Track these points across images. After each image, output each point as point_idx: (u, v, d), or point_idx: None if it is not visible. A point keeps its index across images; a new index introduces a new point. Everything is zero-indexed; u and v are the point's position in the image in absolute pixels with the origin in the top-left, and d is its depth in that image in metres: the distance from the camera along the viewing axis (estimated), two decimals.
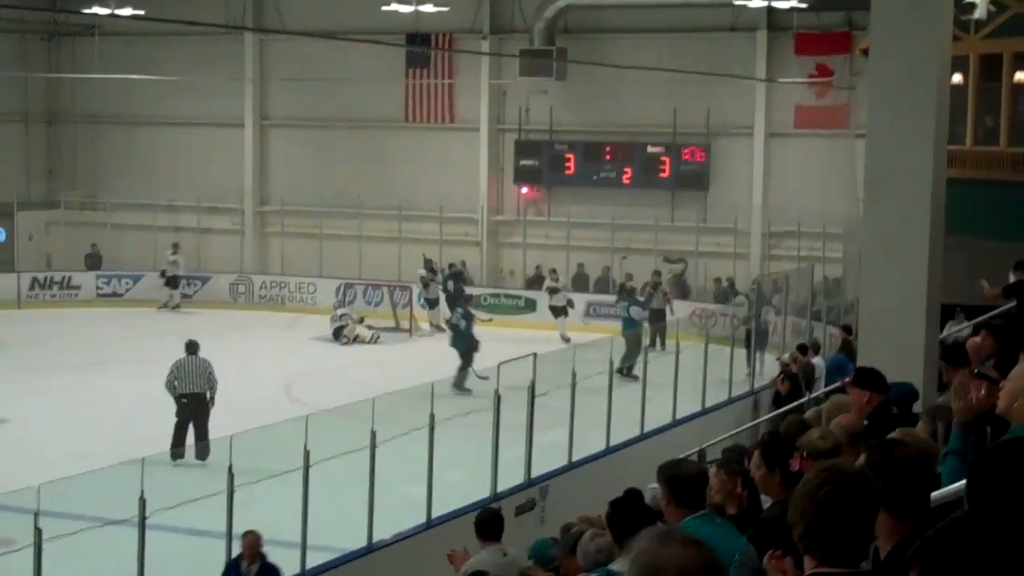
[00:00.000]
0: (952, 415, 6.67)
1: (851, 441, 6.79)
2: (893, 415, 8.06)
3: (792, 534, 3.83)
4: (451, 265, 34.24)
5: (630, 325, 27.53)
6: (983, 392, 6.16)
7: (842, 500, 3.76)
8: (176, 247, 36.37)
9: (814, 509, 3.76)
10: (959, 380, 6.30)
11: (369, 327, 31.68)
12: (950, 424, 6.85)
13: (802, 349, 22.19)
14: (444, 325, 29.77)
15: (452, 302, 31.05)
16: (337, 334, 31.16)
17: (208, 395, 20.08)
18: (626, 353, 23.47)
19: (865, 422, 7.83)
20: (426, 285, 33.00)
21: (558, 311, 31.66)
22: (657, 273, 32.03)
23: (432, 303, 32.84)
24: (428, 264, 33.63)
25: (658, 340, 26.29)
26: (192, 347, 20.56)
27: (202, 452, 18.33)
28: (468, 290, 31.52)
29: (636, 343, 24.07)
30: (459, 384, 22.06)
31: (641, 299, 28.84)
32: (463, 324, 26.01)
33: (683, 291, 32.94)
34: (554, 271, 33.31)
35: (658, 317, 28.83)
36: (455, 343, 25.79)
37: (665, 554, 3.12)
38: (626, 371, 22.48)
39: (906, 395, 9.26)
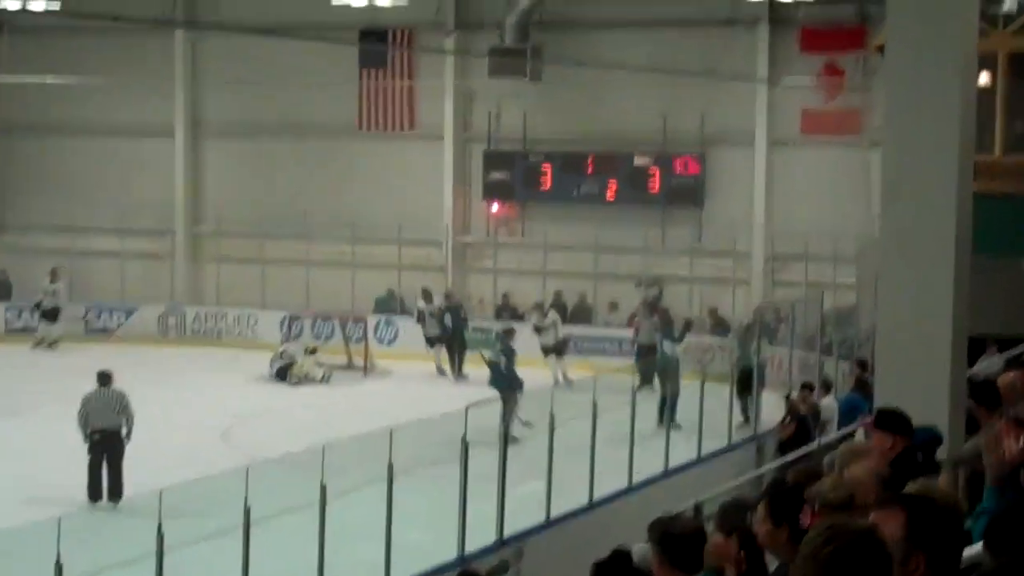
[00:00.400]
0: (979, 463, 6.71)
1: (883, 487, 6.80)
2: (918, 463, 8.08)
3: None
4: (447, 296, 34.05)
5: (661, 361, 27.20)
6: (1020, 443, 6.20)
7: (849, 561, 3.77)
8: (55, 273, 35.97)
9: (819, 571, 3.77)
10: (991, 432, 6.32)
11: (319, 363, 31.60)
12: (975, 474, 6.88)
13: (808, 387, 22.22)
14: (482, 360, 28.83)
15: (450, 340, 30.98)
16: (283, 374, 31.05)
17: (123, 431, 20.29)
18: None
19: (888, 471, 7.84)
20: (421, 320, 32.85)
21: (549, 350, 31.20)
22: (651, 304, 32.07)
23: (434, 341, 32.58)
24: (427, 295, 33.30)
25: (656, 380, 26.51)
26: (104, 378, 20.83)
27: (115, 493, 19.34)
28: (506, 325, 31.14)
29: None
30: (506, 433, 21.81)
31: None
32: (503, 361, 25.70)
33: (663, 318, 32.48)
34: (539, 306, 33.05)
35: (647, 352, 28.87)
36: (495, 383, 25.16)
37: None
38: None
39: (929, 440, 9.28)
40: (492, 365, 25.97)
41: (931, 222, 13.04)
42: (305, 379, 30.99)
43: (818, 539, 3.84)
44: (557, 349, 31.03)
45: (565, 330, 32.17)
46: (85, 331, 36.56)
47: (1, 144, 40.44)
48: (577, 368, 29.67)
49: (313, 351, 31.82)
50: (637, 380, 24.55)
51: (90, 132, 39.17)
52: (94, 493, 19.89)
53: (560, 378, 29.88)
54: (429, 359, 32.75)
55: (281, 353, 31.63)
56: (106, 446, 20.08)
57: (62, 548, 11.63)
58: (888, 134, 13.87)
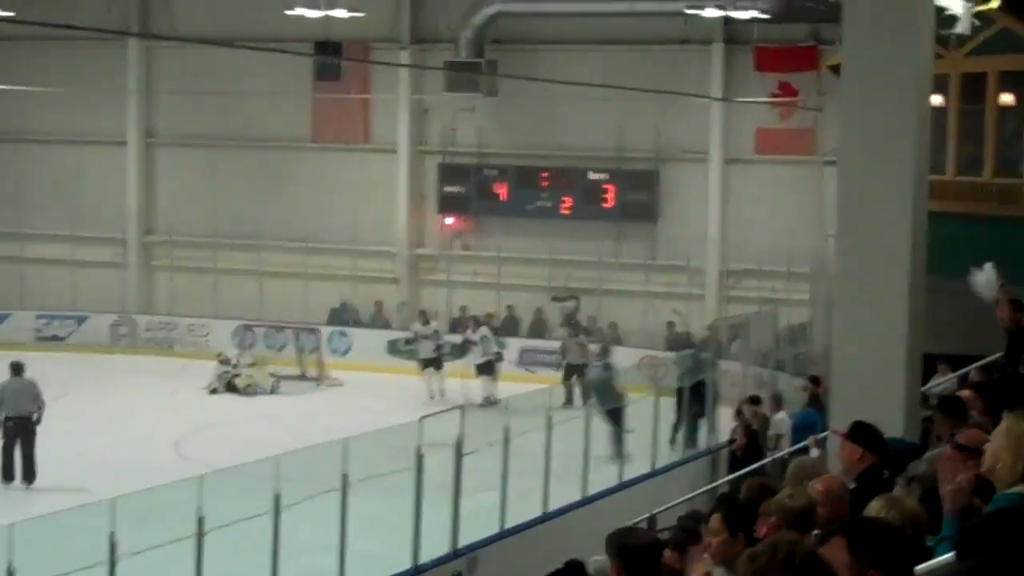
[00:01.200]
0: (934, 480, 6.82)
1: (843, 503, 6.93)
2: (884, 479, 8.15)
3: None
4: (482, 318, 33.30)
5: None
6: (971, 474, 6.31)
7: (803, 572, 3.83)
8: None
9: None
10: (944, 462, 6.46)
11: (272, 374, 31.55)
12: (929, 491, 6.97)
13: (755, 400, 22.33)
14: (573, 386, 28.38)
15: (489, 367, 30.70)
16: (232, 386, 30.91)
17: (35, 416, 22.25)
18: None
19: (852, 484, 7.92)
20: (414, 342, 32.18)
21: (482, 369, 30.89)
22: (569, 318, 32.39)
23: (427, 363, 31.36)
24: (424, 317, 32.74)
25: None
26: (17, 368, 22.66)
27: (28, 475, 21.82)
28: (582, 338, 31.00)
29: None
30: (618, 452, 21.84)
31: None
32: (608, 376, 25.28)
33: (575, 331, 32.78)
34: (474, 319, 33.02)
35: (574, 371, 29.31)
36: (602, 403, 23.92)
37: None
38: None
39: (905, 452, 9.36)
40: (595, 386, 25.07)
41: (886, 241, 13.17)
42: (255, 389, 30.90)
43: (760, 559, 3.90)
44: (490, 367, 30.77)
45: (522, 342, 32.32)
46: (35, 339, 36.33)
47: None
48: (531, 381, 29.64)
49: (252, 364, 31.67)
50: (563, 399, 24.83)
51: (42, 141, 38.97)
52: (7, 474, 22.13)
53: (487, 396, 29.61)
54: (381, 370, 32.80)
55: (224, 363, 31.49)
56: (19, 430, 22.14)
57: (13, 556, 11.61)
58: (842, 153, 14.00)
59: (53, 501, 18.33)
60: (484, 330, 31.80)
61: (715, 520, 7.16)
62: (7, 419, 22.13)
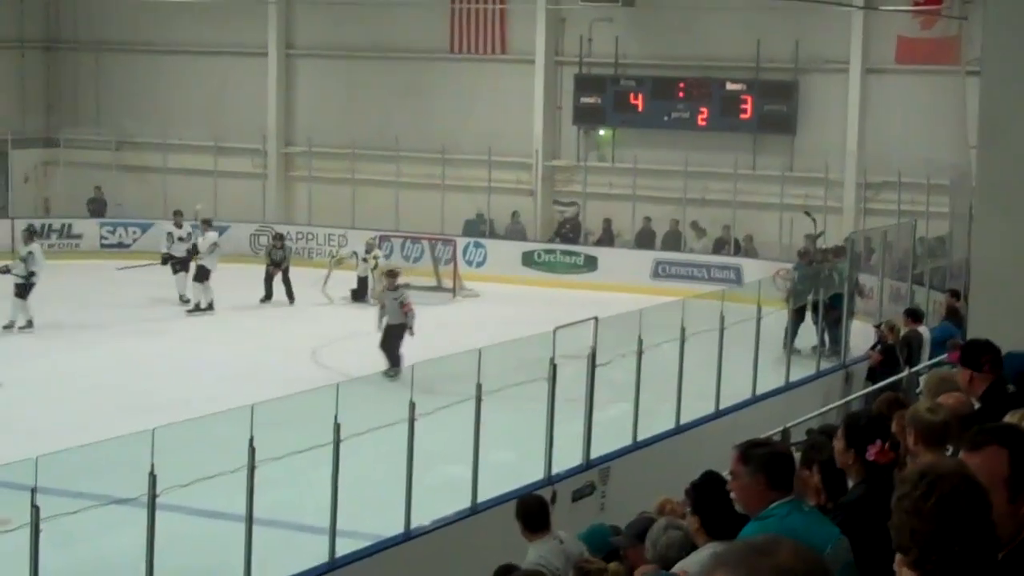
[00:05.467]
0: None
1: (960, 426, 6.78)
2: (1009, 394, 8.00)
3: (905, 554, 3.70)
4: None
5: None
6: None
7: (957, 508, 3.64)
8: (178, 216, 33.22)
9: (928, 525, 3.63)
10: None
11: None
12: None
13: (911, 315, 21.94)
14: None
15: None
16: (358, 294, 31.29)
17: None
18: None
19: (977, 405, 7.80)
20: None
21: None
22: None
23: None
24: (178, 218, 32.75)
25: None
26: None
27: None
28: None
29: None
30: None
31: None
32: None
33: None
34: (178, 213, 32.68)
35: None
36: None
37: (781, 557, 3.00)
38: None
39: None
40: None
41: None
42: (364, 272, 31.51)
43: (916, 492, 3.67)
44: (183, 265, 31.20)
45: (656, 255, 32.30)
46: None
47: (97, 62, 40.78)
48: (667, 293, 29.48)
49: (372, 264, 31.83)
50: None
51: (184, 52, 39.43)
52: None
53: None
54: (517, 281, 32.97)
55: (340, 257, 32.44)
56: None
57: (156, 461, 11.82)
58: (987, 63, 13.70)
59: (194, 408, 18.65)
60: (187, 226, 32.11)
61: (839, 432, 7.11)
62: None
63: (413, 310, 24.45)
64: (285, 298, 30.80)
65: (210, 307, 29.76)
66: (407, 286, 31.60)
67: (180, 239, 31.69)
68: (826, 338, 24.13)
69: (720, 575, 3.01)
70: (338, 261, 32.46)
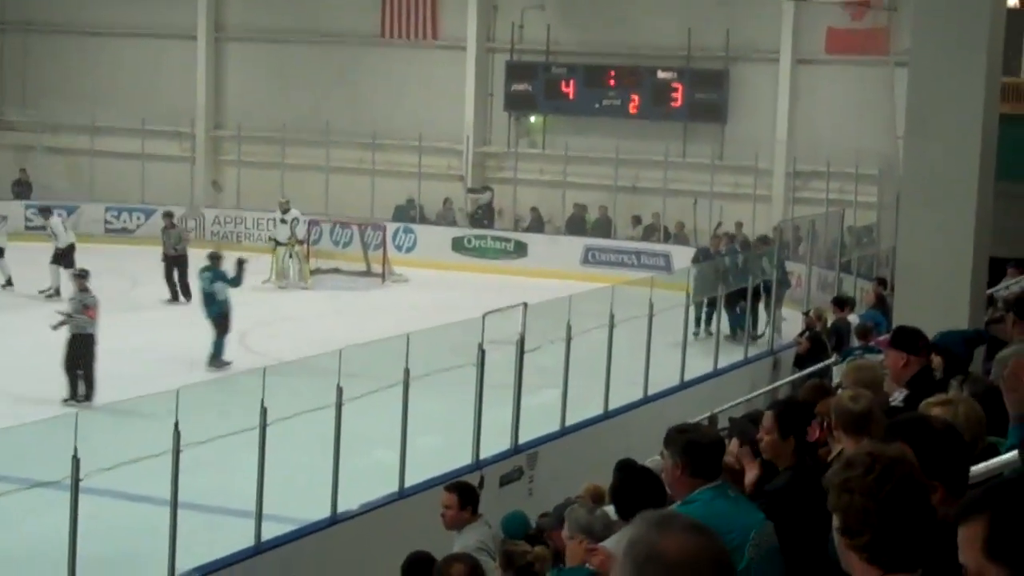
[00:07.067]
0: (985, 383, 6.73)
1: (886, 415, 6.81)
2: (936, 381, 8.08)
3: (851, 541, 3.70)
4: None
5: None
6: None
7: (911, 491, 3.67)
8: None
9: (884, 508, 3.64)
10: (1014, 366, 6.25)
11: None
12: (984, 392, 6.87)
13: (838, 303, 22.12)
14: None
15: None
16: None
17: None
18: None
19: (905, 393, 7.86)
20: None
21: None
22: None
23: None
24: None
25: None
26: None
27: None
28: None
29: None
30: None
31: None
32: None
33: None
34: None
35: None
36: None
37: (663, 542, 3.02)
38: None
39: (970, 338, 9.25)
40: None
41: (955, 143, 12.98)
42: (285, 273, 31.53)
43: (870, 476, 3.68)
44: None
45: (587, 241, 32.43)
46: (104, 231, 36.63)
47: (24, 44, 40.37)
48: (595, 280, 29.54)
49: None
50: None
51: (114, 34, 39.10)
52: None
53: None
54: (446, 267, 32.92)
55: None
56: None
57: (79, 444, 11.71)
58: (915, 54, 13.80)
59: (118, 391, 18.51)
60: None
61: (768, 418, 7.12)
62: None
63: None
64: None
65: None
66: (336, 271, 31.72)
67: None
68: (751, 324, 24.32)
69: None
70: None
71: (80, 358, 20.48)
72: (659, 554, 3.00)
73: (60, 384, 20.31)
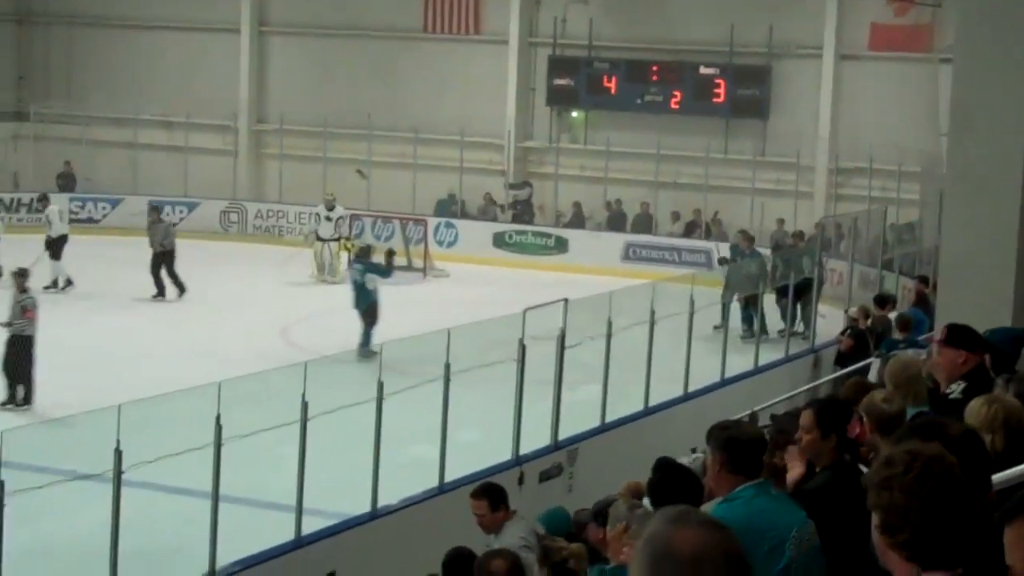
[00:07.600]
0: None
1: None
2: (991, 379, 8.04)
3: (891, 539, 3.70)
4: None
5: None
6: None
7: (952, 489, 3.67)
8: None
9: (925, 506, 3.64)
10: None
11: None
12: None
13: (879, 301, 22.05)
14: None
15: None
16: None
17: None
18: None
19: (963, 385, 7.82)
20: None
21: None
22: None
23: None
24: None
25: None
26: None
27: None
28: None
29: None
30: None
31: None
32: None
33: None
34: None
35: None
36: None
37: (678, 537, 3.06)
38: None
39: (1018, 337, 9.19)
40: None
41: (1001, 140, 12.88)
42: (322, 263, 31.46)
43: (909, 475, 3.68)
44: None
45: (627, 237, 32.34)
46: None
47: (69, 36, 40.61)
48: (637, 276, 29.49)
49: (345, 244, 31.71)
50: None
51: (157, 27, 39.29)
52: None
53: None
54: (487, 261, 32.94)
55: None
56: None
57: (122, 437, 11.77)
58: (959, 50, 13.69)
59: (161, 385, 18.60)
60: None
61: (806, 416, 7.07)
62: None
63: None
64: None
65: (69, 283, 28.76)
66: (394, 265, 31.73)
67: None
68: (790, 321, 24.25)
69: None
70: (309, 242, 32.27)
71: (18, 361, 19.63)
72: (674, 550, 3.04)
73: None
